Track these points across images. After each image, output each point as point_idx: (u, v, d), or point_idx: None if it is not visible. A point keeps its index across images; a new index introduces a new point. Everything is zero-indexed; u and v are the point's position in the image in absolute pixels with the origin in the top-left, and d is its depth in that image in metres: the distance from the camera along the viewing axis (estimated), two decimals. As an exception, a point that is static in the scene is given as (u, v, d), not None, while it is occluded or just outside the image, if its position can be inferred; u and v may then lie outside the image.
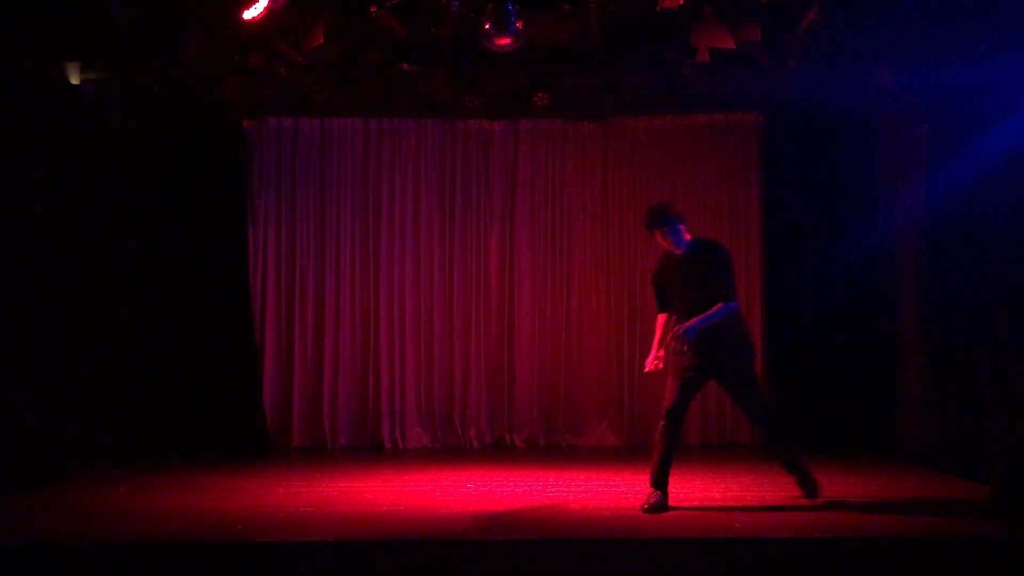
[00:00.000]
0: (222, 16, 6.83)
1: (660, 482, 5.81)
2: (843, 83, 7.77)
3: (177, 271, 8.92)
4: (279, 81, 7.97)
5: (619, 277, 9.17)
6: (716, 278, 5.73)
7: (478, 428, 9.05)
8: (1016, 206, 6.31)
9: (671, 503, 5.81)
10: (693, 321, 5.62)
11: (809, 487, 5.93)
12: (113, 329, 8.08)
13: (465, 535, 5.18)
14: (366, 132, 9.21)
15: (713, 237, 8.67)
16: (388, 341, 9.08)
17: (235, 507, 5.98)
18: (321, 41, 7.03)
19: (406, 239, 9.16)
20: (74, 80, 7.37)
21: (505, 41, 6.72)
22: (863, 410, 8.57)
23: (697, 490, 6.24)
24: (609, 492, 6.45)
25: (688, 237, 5.89)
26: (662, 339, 6.04)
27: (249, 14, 6.61)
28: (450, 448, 8.93)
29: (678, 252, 5.89)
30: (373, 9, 6.86)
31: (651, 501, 5.73)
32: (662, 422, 5.84)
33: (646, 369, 6.10)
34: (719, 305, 5.65)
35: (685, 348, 5.60)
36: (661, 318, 6.12)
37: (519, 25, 6.68)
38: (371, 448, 8.93)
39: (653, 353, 6.07)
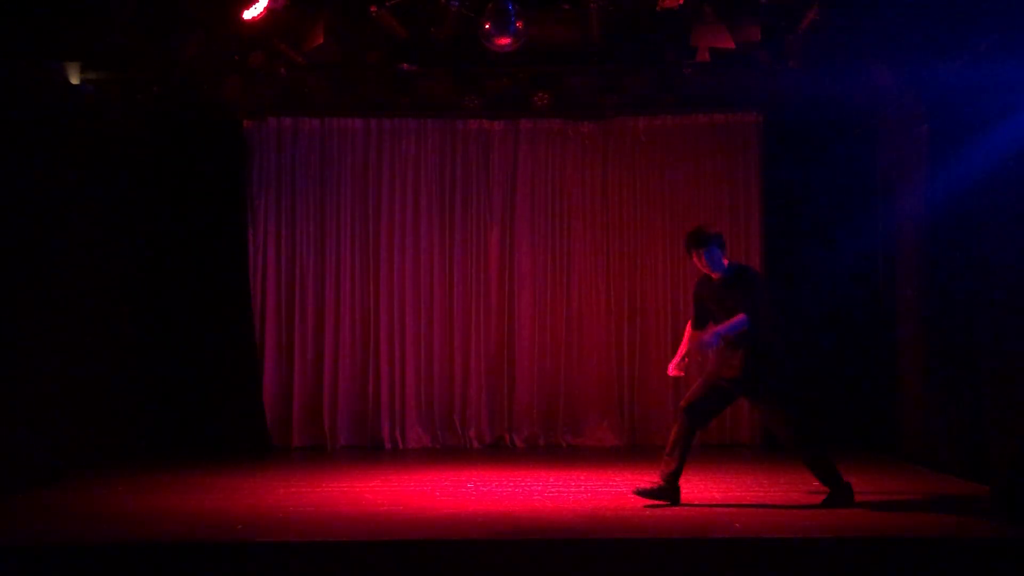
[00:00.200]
0: (222, 16, 6.82)
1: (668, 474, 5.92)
2: (843, 83, 7.77)
3: (177, 271, 8.93)
4: (279, 81, 7.97)
5: (619, 277, 9.17)
6: (743, 298, 5.76)
7: (478, 428, 9.05)
8: (1016, 206, 6.31)
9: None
10: (716, 330, 5.72)
11: (837, 493, 5.83)
12: (113, 329, 8.08)
13: (465, 535, 5.18)
14: (366, 132, 9.21)
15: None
16: (388, 341, 9.08)
17: (235, 507, 5.98)
18: (321, 41, 7.03)
19: (406, 239, 9.15)
20: (74, 80, 7.37)
21: (505, 41, 6.71)
22: (863, 410, 8.57)
23: (697, 490, 6.24)
24: (609, 492, 6.45)
25: (726, 262, 5.90)
26: (689, 348, 6.10)
27: (249, 14, 6.61)
28: (450, 448, 8.93)
29: (715, 276, 5.90)
30: (373, 9, 6.85)
31: (642, 486, 5.93)
32: (681, 417, 5.94)
33: (670, 373, 6.15)
34: (740, 316, 5.68)
35: (709, 354, 5.78)
36: (688, 326, 6.20)
37: (519, 25, 6.68)
38: (371, 448, 8.93)
39: (677, 358, 6.12)
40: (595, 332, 9.13)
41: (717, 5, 6.86)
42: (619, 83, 8.16)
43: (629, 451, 8.76)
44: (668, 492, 5.88)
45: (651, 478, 6.03)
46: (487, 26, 6.68)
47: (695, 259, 5.88)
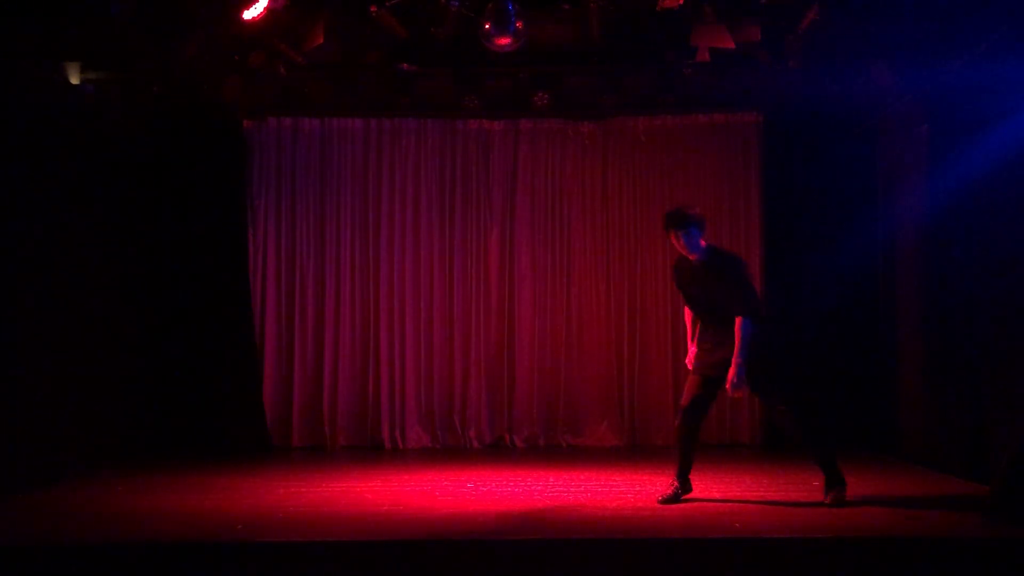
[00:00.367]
0: (222, 16, 6.81)
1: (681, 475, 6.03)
2: (843, 83, 7.76)
3: (177, 271, 8.92)
4: (279, 81, 7.96)
5: (619, 277, 9.16)
6: (731, 292, 5.79)
7: (478, 428, 9.05)
8: (1016, 206, 6.32)
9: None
10: (732, 369, 5.68)
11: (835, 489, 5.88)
12: (113, 329, 8.08)
13: (465, 535, 5.18)
14: (366, 132, 9.21)
15: (713, 237, 8.74)
16: (388, 341, 9.07)
17: (235, 507, 5.98)
18: (321, 41, 7.02)
19: (406, 239, 9.15)
20: (74, 80, 7.37)
21: (505, 41, 6.71)
22: (863, 410, 8.57)
23: (697, 490, 6.23)
24: (609, 492, 6.45)
25: (703, 244, 5.91)
26: (694, 334, 6.13)
27: (249, 14, 6.60)
28: (450, 448, 8.93)
29: (692, 257, 5.92)
30: (373, 9, 6.85)
31: (665, 492, 5.99)
32: (678, 420, 6.00)
33: (689, 367, 6.17)
34: (740, 323, 5.68)
35: (742, 389, 5.70)
36: (689, 313, 6.21)
37: (519, 25, 6.67)
38: (371, 448, 8.93)
39: (691, 349, 6.13)
40: (595, 332, 9.12)
41: (717, 5, 6.86)
42: (619, 83, 8.16)
43: (629, 451, 8.76)
44: (682, 488, 6.00)
45: (667, 481, 6.11)
46: (487, 26, 6.68)
47: (672, 239, 5.90)
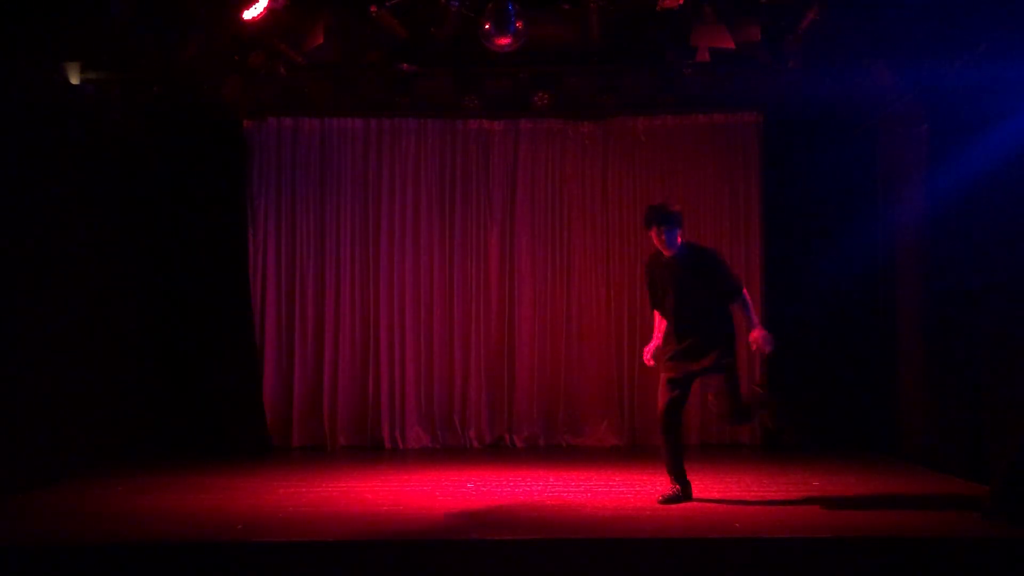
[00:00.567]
0: (222, 16, 6.82)
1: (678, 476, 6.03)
2: (843, 83, 7.76)
3: (177, 271, 8.92)
4: (279, 81, 7.95)
5: (619, 277, 9.17)
6: (718, 277, 5.93)
7: (478, 428, 9.05)
8: (1016, 206, 6.32)
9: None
10: (758, 329, 5.83)
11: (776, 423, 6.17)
12: (113, 329, 8.08)
13: (465, 535, 5.18)
14: (366, 132, 9.21)
15: (713, 237, 8.79)
16: (388, 341, 9.08)
17: (235, 507, 5.98)
18: (321, 41, 7.02)
19: (406, 239, 9.16)
20: (74, 80, 7.37)
21: (505, 41, 6.71)
22: (863, 410, 8.57)
23: (697, 490, 6.23)
24: (609, 492, 6.45)
25: (680, 240, 5.99)
26: (663, 334, 6.18)
27: (249, 14, 6.61)
28: (450, 448, 8.93)
29: (667, 253, 5.96)
30: (373, 9, 6.85)
31: (666, 494, 5.99)
32: (659, 424, 6.01)
33: (647, 362, 6.27)
34: (741, 295, 5.92)
35: (768, 349, 5.83)
36: (656, 313, 6.26)
37: (519, 25, 6.68)
38: (371, 448, 8.93)
39: (654, 344, 6.21)
40: (595, 332, 9.13)
41: (717, 5, 6.86)
42: (619, 83, 8.16)
43: (629, 451, 8.77)
44: (683, 488, 6.01)
45: (666, 481, 6.10)
46: (487, 26, 6.68)
47: (654, 234, 5.97)
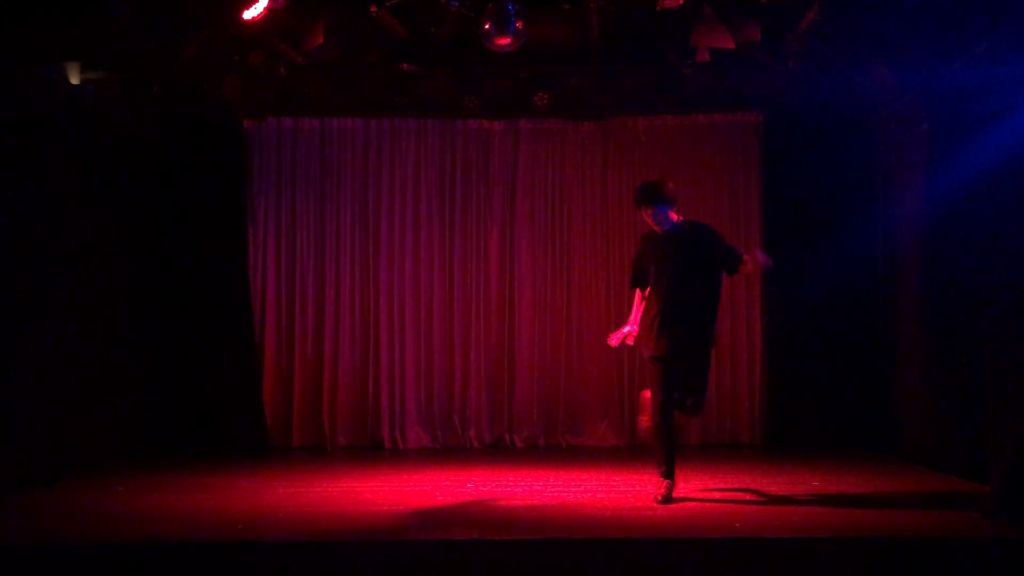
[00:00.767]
0: (222, 16, 6.82)
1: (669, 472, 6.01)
2: (843, 83, 7.76)
3: (177, 271, 8.91)
4: (279, 81, 7.96)
5: (619, 277, 9.15)
6: (718, 248, 5.98)
7: (478, 428, 9.05)
8: (1016, 206, 6.32)
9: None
10: (760, 255, 5.97)
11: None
12: (113, 329, 8.08)
13: (465, 535, 5.18)
14: (366, 132, 9.21)
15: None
16: (388, 341, 9.07)
17: (235, 507, 5.98)
18: (321, 41, 7.02)
19: (406, 239, 9.15)
20: (74, 80, 7.37)
21: (505, 41, 6.71)
22: (863, 410, 8.57)
23: (697, 490, 6.23)
24: (609, 492, 6.45)
25: (674, 218, 6.01)
26: (641, 317, 6.14)
27: (249, 14, 6.61)
28: (450, 448, 8.93)
29: (659, 230, 6.01)
30: (373, 9, 6.85)
31: (661, 492, 5.95)
32: (658, 417, 5.99)
33: (611, 343, 6.25)
34: (743, 262, 5.92)
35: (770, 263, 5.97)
36: (637, 294, 6.22)
37: (519, 25, 6.68)
38: (371, 448, 8.93)
39: (628, 327, 6.19)
40: (595, 332, 9.11)
41: (717, 5, 6.86)
42: (619, 83, 8.16)
43: (629, 451, 8.76)
44: (673, 483, 6.00)
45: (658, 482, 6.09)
46: (487, 26, 6.68)
47: (645, 214, 6.02)
